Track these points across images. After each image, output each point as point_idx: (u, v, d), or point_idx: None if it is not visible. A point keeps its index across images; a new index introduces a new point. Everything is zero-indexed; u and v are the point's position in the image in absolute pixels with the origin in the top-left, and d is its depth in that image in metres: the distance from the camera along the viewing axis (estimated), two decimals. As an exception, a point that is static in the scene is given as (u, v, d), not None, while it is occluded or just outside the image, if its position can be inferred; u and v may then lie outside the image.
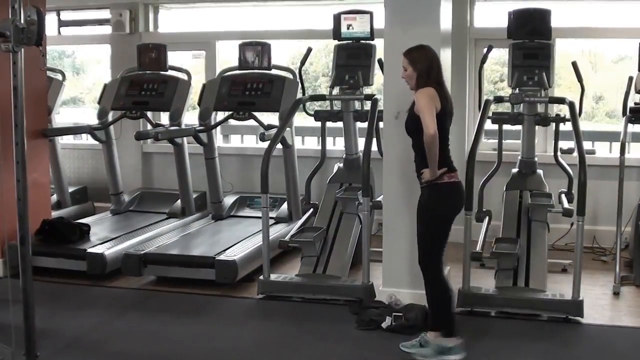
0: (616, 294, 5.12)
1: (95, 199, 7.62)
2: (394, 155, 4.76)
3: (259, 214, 5.28)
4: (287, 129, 5.88)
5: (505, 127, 5.52)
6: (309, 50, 6.02)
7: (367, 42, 5.79)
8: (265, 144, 5.40)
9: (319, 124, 6.06)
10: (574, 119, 4.83)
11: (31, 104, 3.97)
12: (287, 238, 5.36)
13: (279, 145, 5.64)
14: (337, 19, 5.79)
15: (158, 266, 5.39)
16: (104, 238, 5.90)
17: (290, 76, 6.36)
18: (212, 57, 7.49)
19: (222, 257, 5.27)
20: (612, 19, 6.40)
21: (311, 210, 5.92)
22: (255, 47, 6.31)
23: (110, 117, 6.67)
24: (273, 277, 5.13)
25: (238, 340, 4.33)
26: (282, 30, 7.31)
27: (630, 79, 5.69)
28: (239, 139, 7.92)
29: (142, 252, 5.39)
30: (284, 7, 7.59)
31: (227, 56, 7.43)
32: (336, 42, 5.89)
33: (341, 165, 6.10)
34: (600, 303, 4.92)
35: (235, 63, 6.42)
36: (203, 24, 7.75)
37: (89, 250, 5.50)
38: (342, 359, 4.05)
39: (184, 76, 6.70)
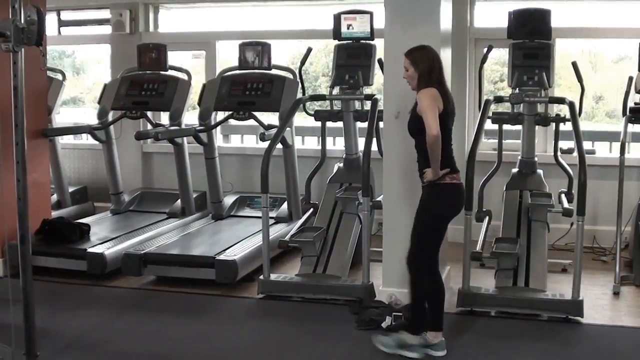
0: (616, 294, 5.12)
1: (95, 199, 7.62)
2: (394, 155, 4.76)
3: (259, 214, 5.28)
4: (287, 128, 5.88)
5: (505, 127, 5.53)
6: (309, 50, 6.02)
7: (367, 42, 5.79)
8: (265, 144, 5.40)
9: (319, 123, 6.06)
10: (574, 119, 4.83)
11: (31, 103, 3.97)
12: (287, 238, 5.36)
13: (279, 145, 5.64)
14: (337, 19, 5.80)
15: (158, 266, 5.39)
16: (104, 238, 5.90)
17: (291, 76, 6.36)
18: (212, 57, 7.49)
19: (222, 256, 5.27)
20: (612, 19, 6.40)
21: (311, 210, 5.92)
22: (255, 47, 6.31)
23: (110, 117, 6.66)
24: (273, 276, 5.13)
25: (238, 340, 4.33)
26: (282, 30, 7.31)
27: (630, 79, 5.69)
28: (239, 138, 7.92)
29: (142, 252, 5.39)
30: (284, 7, 7.59)
31: (227, 56, 7.43)
32: (336, 42, 5.89)
33: (341, 165, 6.10)
34: (600, 303, 4.92)
35: (235, 63, 6.42)
36: (203, 24, 7.75)
37: (89, 250, 5.50)
38: (342, 359, 4.05)
39: (184, 76, 6.70)
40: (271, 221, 5.81)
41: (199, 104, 6.42)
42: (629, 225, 5.87)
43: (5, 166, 3.65)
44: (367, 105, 5.54)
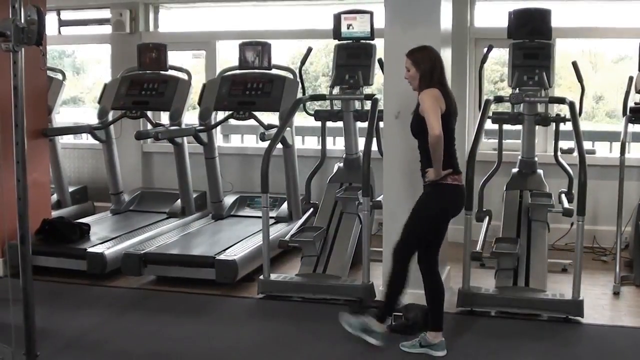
0: (616, 294, 5.12)
1: (95, 199, 7.62)
2: (394, 155, 4.76)
3: (259, 214, 5.28)
4: (287, 128, 5.88)
5: (506, 127, 5.53)
6: (309, 50, 6.01)
7: (367, 42, 5.79)
8: (265, 144, 5.40)
9: (319, 123, 6.06)
10: (574, 118, 4.83)
11: (31, 103, 3.97)
12: (287, 238, 5.36)
13: (279, 145, 5.64)
14: (337, 18, 5.80)
15: (158, 266, 5.39)
16: (104, 238, 5.90)
17: (291, 76, 6.36)
18: (212, 57, 7.49)
19: (222, 256, 5.27)
20: (612, 19, 6.40)
21: (311, 210, 5.92)
22: (255, 47, 6.31)
23: (110, 117, 6.66)
24: (273, 276, 5.13)
25: (238, 340, 4.33)
26: (282, 30, 7.31)
27: (631, 78, 5.69)
28: (239, 138, 7.92)
29: (142, 252, 5.39)
30: (284, 7, 7.58)
31: (227, 56, 7.43)
32: (336, 41, 5.89)
33: (341, 165, 6.10)
34: (600, 303, 4.92)
35: (235, 63, 6.42)
36: (203, 23, 7.74)
37: (89, 249, 5.50)
38: (342, 359, 4.05)
39: (184, 76, 6.69)
40: (271, 221, 5.81)
41: (199, 103, 6.42)
42: (629, 225, 5.87)
43: (5, 166, 3.66)
44: (367, 105, 5.54)
